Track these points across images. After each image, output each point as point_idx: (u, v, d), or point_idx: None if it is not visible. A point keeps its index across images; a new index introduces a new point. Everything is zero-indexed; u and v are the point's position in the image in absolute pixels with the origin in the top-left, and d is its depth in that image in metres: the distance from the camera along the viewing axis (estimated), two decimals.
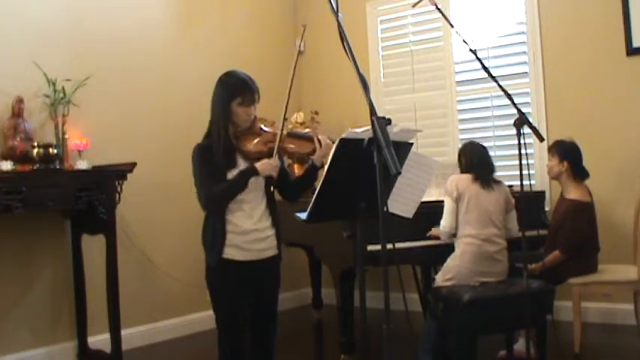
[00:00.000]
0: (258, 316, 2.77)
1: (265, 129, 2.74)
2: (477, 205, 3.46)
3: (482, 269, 3.41)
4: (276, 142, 2.62)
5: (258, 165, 2.60)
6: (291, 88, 2.63)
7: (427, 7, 3.91)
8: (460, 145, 3.90)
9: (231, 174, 2.64)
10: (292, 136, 2.78)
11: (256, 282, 2.73)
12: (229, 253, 2.66)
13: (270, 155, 2.63)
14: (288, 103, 2.65)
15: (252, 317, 2.76)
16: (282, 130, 2.65)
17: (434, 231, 3.77)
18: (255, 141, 2.67)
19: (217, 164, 2.63)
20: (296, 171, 4.85)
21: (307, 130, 2.81)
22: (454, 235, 3.53)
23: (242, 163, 2.67)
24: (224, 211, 2.65)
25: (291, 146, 2.73)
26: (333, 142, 2.36)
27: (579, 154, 3.87)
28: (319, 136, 2.68)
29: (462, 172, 3.67)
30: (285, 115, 2.66)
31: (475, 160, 3.62)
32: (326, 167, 2.34)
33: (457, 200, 3.49)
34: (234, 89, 2.67)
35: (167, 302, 4.72)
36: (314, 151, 2.68)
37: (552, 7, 4.72)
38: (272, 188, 2.73)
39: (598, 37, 4.55)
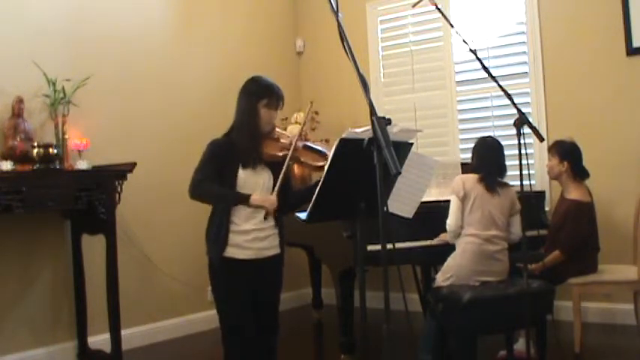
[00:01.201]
0: (260, 316, 2.78)
1: (282, 140, 2.80)
2: (480, 207, 3.45)
3: (482, 268, 3.41)
4: (290, 151, 2.69)
5: (253, 197, 2.64)
6: (304, 125, 2.79)
7: (427, 7, 3.90)
8: (476, 140, 3.74)
9: (244, 172, 2.70)
10: (308, 148, 2.84)
11: (258, 281, 2.75)
12: (231, 251, 2.70)
13: (282, 161, 2.68)
14: (304, 124, 2.82)
15: (255, 316, 2.77)
16: (296, 141, 2.72)
17: (442, 237, 3.76)
18: (273, 145, 2.75)
19: (229, 161, 2.69)
20: (295, 171, 4.85)
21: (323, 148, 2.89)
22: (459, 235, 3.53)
23: (257, 164, 2.72)
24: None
25: (305, 158, 2.79)
26: None
27: (579, 154, 3.87)
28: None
29: (472, 169, 3.62)
30: (302, 129, 2.78)
31: (485, 161, 3.57)
32: (326, 167, 2.34)
33: (463, 199, 3.48)
34: (262, 91, 2.75)
35: (167, 302, 4.72)
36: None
37: (552, 7, 4.72)
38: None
39: (598, 37, 4.55)
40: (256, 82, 2.79)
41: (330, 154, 2.31)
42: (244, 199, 2.65)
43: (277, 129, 2.85)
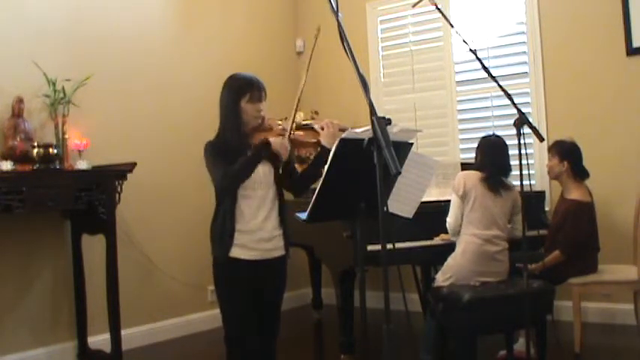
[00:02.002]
0: (262, 316, 2.78)
1: (275, 127, 2.78)
2: (481, 206, 3.44)
3: (482, 269, 3.41)
4: (287, 134, 2.66)
5: (272, 141, 2.61)
6: (300, 96, 2.71)
7: (427, 7, 3.91)
8: (480, 138, 3.75)
9: None
10: (301, 127, 2.83)
11: (262, 282, 2.74)
12: (236, 252, 2.68)
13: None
14: (297, 105, 2.72)
15: (257, 316, 2.76)
16: (292, 124, 2.70)
17: (443, 237, 3.75)
18: (267, 135, 2.72)
19: (228, 160, 2.66)
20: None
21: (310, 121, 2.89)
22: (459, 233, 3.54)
23: None
24: (235, 195, 2.67)
25: (303, 137, 2.78)
26: (341, 130, 2.42)
27: (579, 154, 3.87)
28: (319, 124, 2.74)
29: (475, 167, 3.61)
30: (294, 114, 2.71)
31: (489, 160, 3.55)
32: (326, 167, 2.34)
33: (463, 198, 3.47)
34: (242, 87, 2.73)
35: (167, 302, 4.72)
36: (319, 140, 2.72)
37: (552, 7, 4.73)
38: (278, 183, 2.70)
39: (598, 37, 4.55)
40: (235, 80, 2.77)
41: (330, 155, 2.31)
42: (265, 148, 2.62)
43: (268, 120, 2.80)
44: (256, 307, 2.75)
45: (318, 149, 2.77)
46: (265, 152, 2.64)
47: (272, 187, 2.73)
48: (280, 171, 2.77)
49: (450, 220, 3.52)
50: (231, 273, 2.71)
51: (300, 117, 5.18)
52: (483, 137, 3.73)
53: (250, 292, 2.73)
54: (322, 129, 2.70)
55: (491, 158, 3.56)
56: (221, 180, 2.63)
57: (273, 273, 2.79)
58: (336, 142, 2.27)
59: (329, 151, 2.61)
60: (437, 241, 3.82)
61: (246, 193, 2.69)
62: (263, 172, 2.71)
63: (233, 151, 2.68)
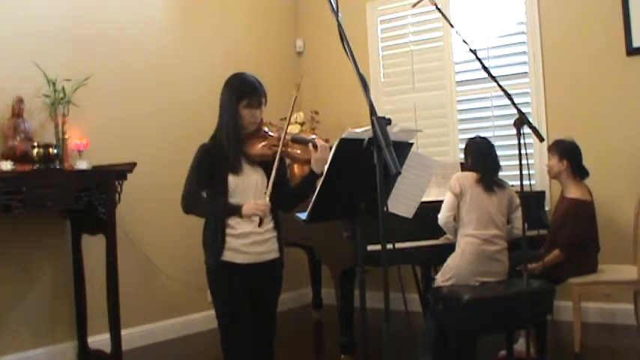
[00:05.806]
0: (257, 318, 2.76)
1: (270, 133, 2.73)
2: (478, 206, 3.47)
3: (482, 269, 3.42)
4: (279, 147, 2.62)
5: (244, 208, 2.58)
6: (294, 105, 2.67)
7: (427, 7, 3.90)
8: (466, 141, 3.87)
9: (234, 177, 2.64)
10: (296, 141, 2.73)
11: (256, 284, 2.71)
12: (228, 256, 2.66)
13: (272, 159, 2.60)
14: (291, 113, 2.69)
15: (253, 318, 2.74)
16: (284, 136, 2.64)
17: (448, 236, 3.76)
18: (260, 145, 2.68)
19: (218, 166, 2.64)
20: (295, 171, 4.84)
21: (313, 136, 2.77)
22: (455, 232, 3.57)
23: (246, 166, 2.67)
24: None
25: (297, 152, 2.70)
26: (331, 148, 2.37)
27: (579, 153, 3.87)
28: (316, 141, 2.62)
29: (467, 169, 3.68)
30: (288, 123, 2.67)
31: (480, 161, 3.62)
32: (326, 167, 2.33)
33: (459, 196, 3.51)
34: (241, 92, 2.67)
35: (167, 302, 4.72)
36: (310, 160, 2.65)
37: (552, 7, 4.72)
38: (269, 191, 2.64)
39: (598, 37, 4.55)
40: (236, 81, 2.72)
41: (330, 154, 2.31)
42: (236, 211, 2.60)
43: (265, 126, 2.75)
44: (251, 310, 2.73)
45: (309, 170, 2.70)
46: (234, 214, 2.62)
47: (264, 192, 2.69)
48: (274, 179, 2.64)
49: (440, 216, 3.57)
50: (225, 277, 2.67)
51: (300, 117, 5.20)
52: (468, 140, 3.82)
53: (245, 295, 2.69)
54: (315, 148, 2.59)
55: (481, 159, 3.63)
56: (183, 203, 2.71)
57: (267, 277, 2.75)
58: (336, 142, 2.27)
59: (318, 175, 2.59)
60: (439, 241, 3.83)
61: (238, 201, 2.65)
62: (255, 180, 2.68)
63: (225, 155, 2.65)
